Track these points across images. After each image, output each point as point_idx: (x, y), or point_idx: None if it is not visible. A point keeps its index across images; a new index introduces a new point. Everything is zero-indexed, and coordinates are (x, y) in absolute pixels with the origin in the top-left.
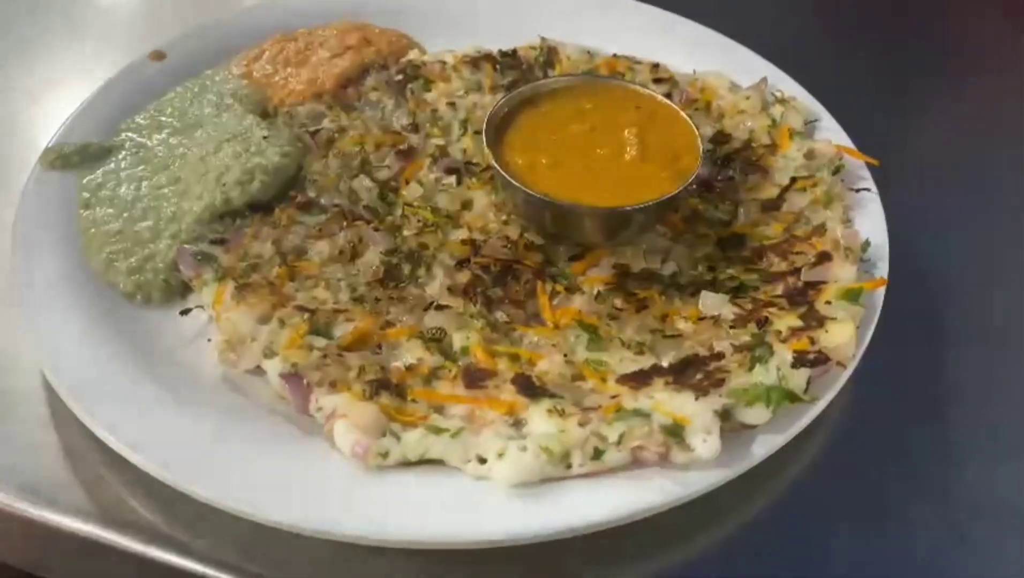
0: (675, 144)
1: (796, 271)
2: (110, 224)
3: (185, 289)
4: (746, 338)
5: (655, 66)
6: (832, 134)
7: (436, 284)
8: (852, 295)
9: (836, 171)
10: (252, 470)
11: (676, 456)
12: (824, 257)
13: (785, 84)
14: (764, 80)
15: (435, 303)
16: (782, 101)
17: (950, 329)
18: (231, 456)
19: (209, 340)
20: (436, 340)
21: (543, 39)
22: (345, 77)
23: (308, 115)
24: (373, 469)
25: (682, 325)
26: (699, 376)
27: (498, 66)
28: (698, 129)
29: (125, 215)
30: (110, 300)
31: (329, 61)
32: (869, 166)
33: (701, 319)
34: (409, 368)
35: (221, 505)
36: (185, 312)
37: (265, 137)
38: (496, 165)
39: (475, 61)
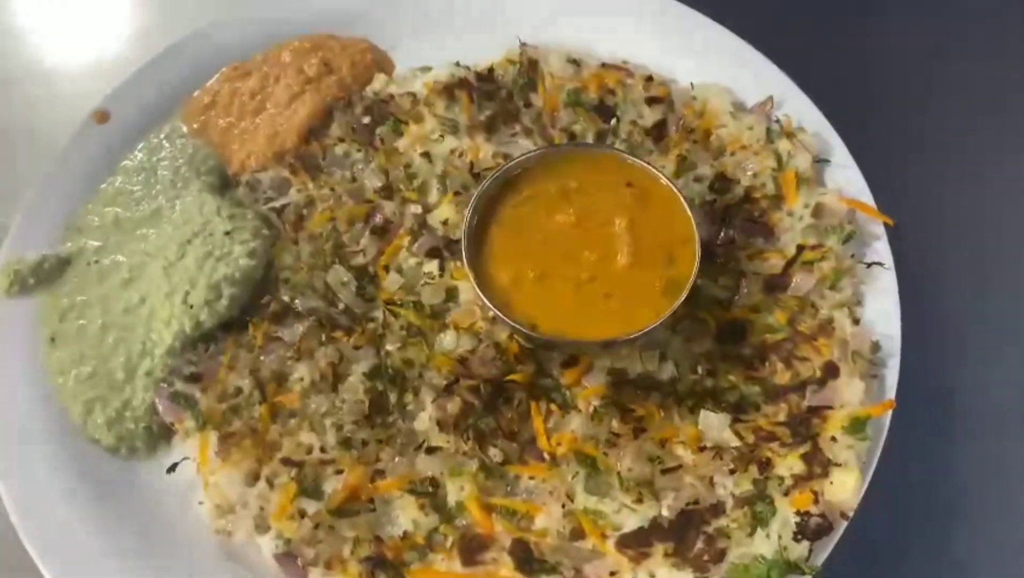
0: (670, 235)
1: (801, 386)
2: (81, 367)
3: (168, 432)
4: (747, 486)
5: (648, 80)
6: (844, 172)
7: (425, 416)
8: (858, 426)
9: (847, 238)
10: None
11: None
12: (830, 372)
13: (792, 99)
14: (770, 100)
15: (426, 445)
16: (789, 134)
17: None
18: None
19: (201, 502)
20: (429, 495)
21: (523, 47)
22: (307, 127)
23: (272, 184)
24: None
25: (681, 452)
26: (699, 544)
27: (474, 95)
28: (694, 210)
29: (93, 353)
30: (91, 452)
31: (288, 107)
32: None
33: (702, 448)
34: (404, 536)
35: None
36: (172, 469)
37: (228, 233)
38: (480, 293)
39: (449, 89)
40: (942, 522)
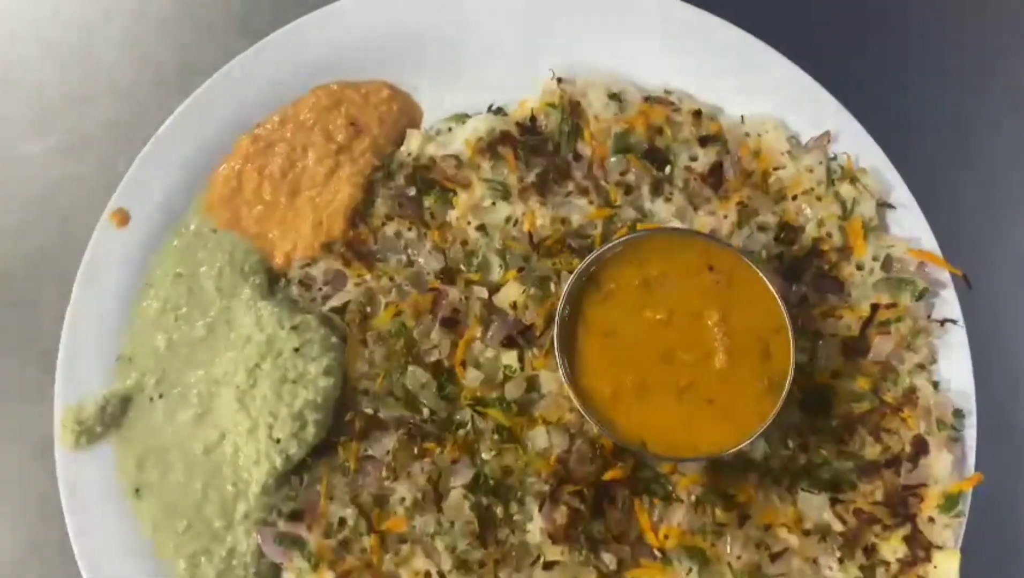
0: (761, 323)
1: (893, 461)
2: (175, 519)
3: (277, 570)
4: (855, 572)
5: (696, 114)
6: (907, 216)
7: (535, 527)
8: (952, 503)
9: (920, 295)
10: None
11: None
12: (920, 447)
13: (847, 130)
14: (827, 136)
15: (542, 559)
16: (852, 179)
17: None
18: None
19: None
20: None
21: (561, 86)
22: (351, 208)
23: (326, 279)
24: None
25: (786, 536)
26: None
27: (520, 150)
28: (777, 289)
29: (185, 502)
30: None
31: (326, 186)
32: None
33: (806, 531)
34: None
35: None
36: None
37: (297, 349)
38: (582, 409)
39: (492, 147)
40: None
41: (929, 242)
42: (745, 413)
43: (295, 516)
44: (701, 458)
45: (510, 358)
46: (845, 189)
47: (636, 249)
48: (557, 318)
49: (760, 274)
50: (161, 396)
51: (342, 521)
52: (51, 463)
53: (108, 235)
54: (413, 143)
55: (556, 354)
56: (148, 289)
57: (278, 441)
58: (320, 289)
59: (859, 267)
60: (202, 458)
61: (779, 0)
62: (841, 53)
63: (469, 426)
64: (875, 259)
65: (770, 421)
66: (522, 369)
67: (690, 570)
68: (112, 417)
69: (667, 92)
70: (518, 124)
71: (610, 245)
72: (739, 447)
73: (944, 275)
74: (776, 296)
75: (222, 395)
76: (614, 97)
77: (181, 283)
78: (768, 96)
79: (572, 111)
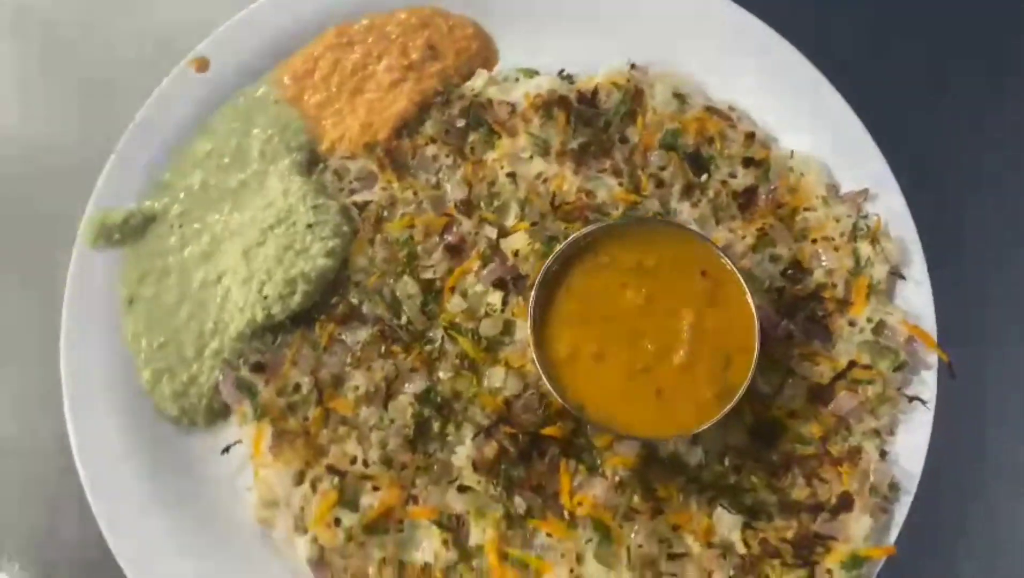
0: (731, 340)
1: (815, 508)
2: (154, 335)
3: (227, 410)
4: None
5: (750, 136)
6: (916, 293)
7: (463, 453)
8: (856, 563)
9: (899, 366)
10: None
11: None
12: (844, 503)
13: (887, 192)
14: (864, 193)
15: (459, 483)
16: (873, 238)
17: None
18: None
19: (249, 489)
20: (453, 530)
21: (632, 70)
22: (402, 120)
23: (358, 176)
24: None
25: (690, 542)
26: None
27: (572, 118)
28: (760, 314)
29: (167, 323)
30: (154, 415)
31: (387, 93)
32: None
33: (710, 545)
34: (425, 568)
35: None
36: (226, 450)
37: (310, 226)
38: (537, 363)
39: (549, 106)
40: None
41: (929, 322)
42: (687, 413)
43: (258, 367)
44: (630, 437)
45: (495, 298)
46: (864, 247)
47: (642, 232)
48: (544, 268)
49: (748, 297)
50: (181, 226)
51: (297, 386)
52: None
53: (183, 76)
54: (478, 81)
55: (532, 296)
56: (204, 133)
57: (266, 297)
58: (351, 183)
59: (851, 323)
60: (196, 290)
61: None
62: (903, 112)
63: (438, 344)
64: (869, 320)
65: (704, 427)
66: (503, 312)
67: (589, 540)
68: (132, 231)
69: (731, 108)
70: (580, 92)
71: (621, 220)
72: (666, 439)
73: (932, 358)
74: (755, 320)
75: (232, 243)
76: (678, 96)
77: (233, 137)
78: (823, 138)
79: (634, 97)
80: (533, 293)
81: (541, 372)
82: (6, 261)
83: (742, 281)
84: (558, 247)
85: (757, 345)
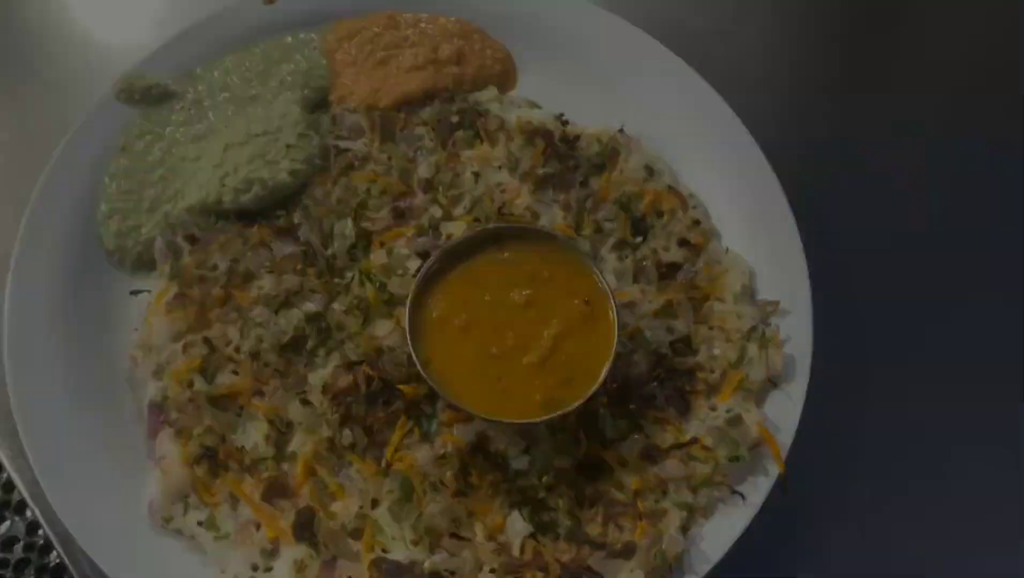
0: (583, 362)
1: (598, 546)
2: (126, 180)
3: (151, 264)
4: None
5: (696, 223)
6: (784, 408)
7: (319, 375)
8: None
9: (735, 459)
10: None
11: None
12: (625, 553)
13: (798, 314)
14: (776, 306)
15: (304, 397)
16: (766, 344)
17: None
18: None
19: (135, 329)
20: (283, 433)
21: (620, 133)
22: (406, 99)
23: (350, 127)
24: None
25: (477, 531)
26: None
27: (548, 151)
28: (630, 368)
29: (140, 175)
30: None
31: (405, 73)
32: None
33: (491, 538)
34: (239, 449)
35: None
36: (135, 293)
37: (289, 146)
38: (408, 306)
39: (533, 133)
40: None
41: (785, 437)
42: (513, 408)
43: (191, 239)
44: (455, 405)
45: (413, 264)
46: (753, 348)
47: (553, 248)
48: (453, 240)
49: (614, 342)
50: (190, 110)
51: (215, 266)
52: None
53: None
54: (484, 95)
55: (431, 259)
56: (241, 50)
57: (224, 185)
58: (341, 130)
59: (712, 408)
60: (176, 161)
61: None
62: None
63: (347, 282)
64: (728, 410)
65: (520, 422)
66: (415, 276)
67: (391, 491)
68: (152, 98)
69: (691, 195)
70: (565, 133)
71: (542, 228)
72: (491, 419)
73: (774, 469)
74: (610, 360)
75: (220, 136)
76: (648, 168)
77: (262, 60)
78: (763, 247)
79: (610, 155)
80: (433, 256)
81: (406, 319)
82: None
83: (615, 328)
84: (478, 227)
85: (602, 378)
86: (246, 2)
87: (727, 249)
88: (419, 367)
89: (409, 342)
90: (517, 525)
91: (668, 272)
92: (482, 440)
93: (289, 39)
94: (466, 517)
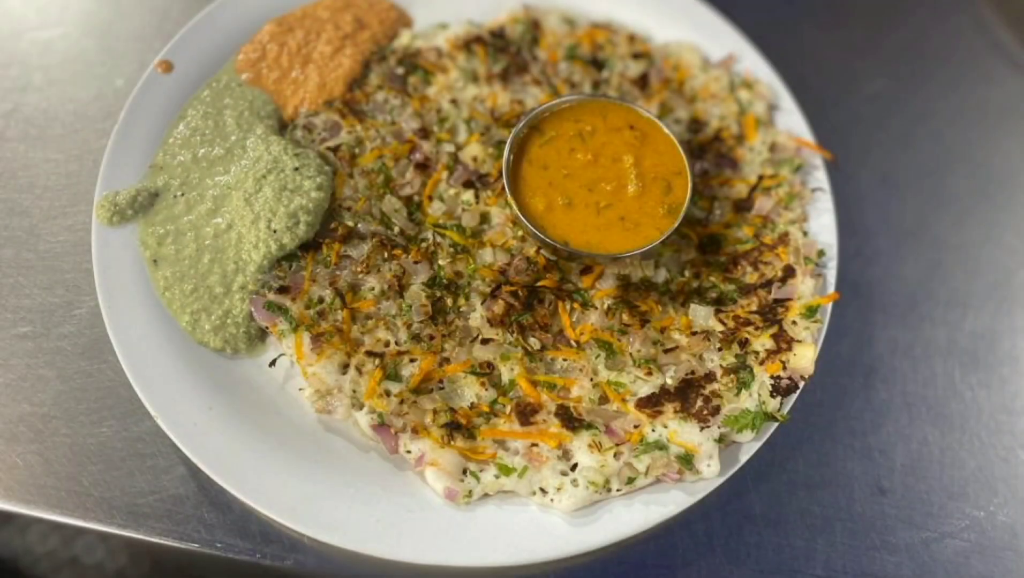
0: (667, 169)
1: (767, 284)
2: (183, 284)
3: (263, 334)
4: (732, 359)
5: (631, 38)
6: (791, 117)
7: (477, 315)
8: (811, 312)
9: (796, 168)
10: (358, 510)
11: (688, 477)
12: (789, 273)
13: (748, 56)
14: (731, 57)
15: (480, 337)
16: (747, 85)
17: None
18: (336, 496)
19: (301, 389)
20: (486, 374)
21: (526, 8)
22: (351, 78)
23: (325, 126)
24: (463, 506)
25: (677, 337)
26: (699, 402)
27: (489, 49)
28: (682, 147)
29: (192, 272)
30: (204, 353)
31: (332, 59)
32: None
33: (693, 333)
34: (472, 406)
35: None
36: (273, 363)
37: (296, 169)
38: (522, 217)
39: (467, 44)
40: (865, 380)
41: (807, 135)
42: (649, 228)
43: (282, 290)
44: (611, 256)
45: (468, 196)
46: (743, 94)
47: (575, 108)
48: (507, 148)
49: (669, 133)
50: (183, 194)
51: (320, 299)
52: None
53: (154, 77)
54: (404, 38)
55: (504, 173)
56: (181, 120)
57: (275, 231)
58: (320, 134)
59: (751, 150)
60: (211, 241)
61: None
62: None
63: (431, 241)
64: (763, 143)
65: (667, 235)
66: (476, 204)
67: (598, 356)
68: (141, 205)
69: (609, 23)
70: (489, 31)
71: (556, 102)
72: (640, 250)
73: (817, 159)
74: (680, 149)
75: (233, 196)
76: (568, 20)
77: (209, 117)
78: (686, 31)
79: (534, 26)
80: (504, 164)
81: (527, 222)
82: None
83: (662, 125)
84: (514, 130)
85: (688, 167)
86: (148, 79)
87: (667, 44)
88: (562, 247)
89: (541, 233)
90: (701, 312)
91: (642, 82)
92: (624, 280)
93: (207, 91)
94: (661, 335)
